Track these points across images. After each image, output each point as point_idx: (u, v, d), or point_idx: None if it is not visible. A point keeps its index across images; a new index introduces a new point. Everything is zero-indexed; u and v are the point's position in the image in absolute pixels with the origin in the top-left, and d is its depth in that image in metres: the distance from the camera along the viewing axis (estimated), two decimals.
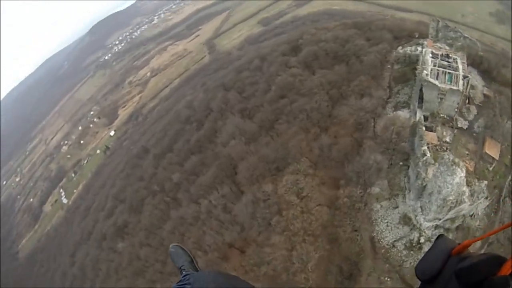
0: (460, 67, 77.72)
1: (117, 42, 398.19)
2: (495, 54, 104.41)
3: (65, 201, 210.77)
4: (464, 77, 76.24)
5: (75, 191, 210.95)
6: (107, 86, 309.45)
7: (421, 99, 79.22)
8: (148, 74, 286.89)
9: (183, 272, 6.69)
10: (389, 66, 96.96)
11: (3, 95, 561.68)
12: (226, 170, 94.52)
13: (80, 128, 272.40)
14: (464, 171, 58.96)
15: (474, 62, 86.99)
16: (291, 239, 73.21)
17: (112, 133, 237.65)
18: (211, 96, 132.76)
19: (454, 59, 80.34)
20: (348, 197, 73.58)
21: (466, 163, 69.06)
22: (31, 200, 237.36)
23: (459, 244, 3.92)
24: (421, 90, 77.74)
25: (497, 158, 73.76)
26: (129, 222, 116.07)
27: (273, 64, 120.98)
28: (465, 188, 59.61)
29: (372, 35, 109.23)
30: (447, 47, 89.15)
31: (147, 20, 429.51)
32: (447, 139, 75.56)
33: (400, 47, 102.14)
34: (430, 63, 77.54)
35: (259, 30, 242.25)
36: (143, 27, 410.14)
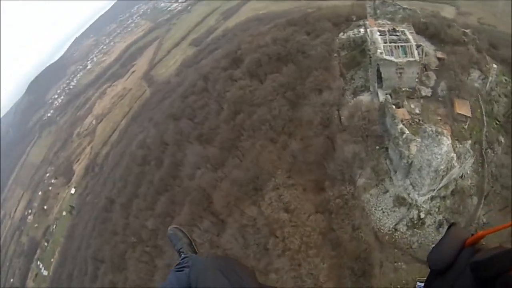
0: (410, 37, 76.64)
1: (56, 96, 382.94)
2: (437, 18, 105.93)
3: (45, 273, 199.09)
4: (418, 46, 75.11)
5: (52, 260, 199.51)
6: (56, 143, 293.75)
7: (379, 78, 77.54)
8: (94, 121, 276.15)
9: (182, 255, 6.86)
10: (335, 55, 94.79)
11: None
12: (201, 203, 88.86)
13: (40, 193, 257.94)
14: (450, 138, 58.52)
15: (420, 29, 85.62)
16: (294, 257, 69.19)
17: (72, 191, 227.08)
18: (162, 130, 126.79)
19: (401, 31, 79.23)
20: (339, 197, 70.50)
21: (443, 127, 68.40)
22: (12, 280, 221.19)
23: (472, 235, 3.84)
24: (378, 70, 76.12)
25: (470, 115, 73.41)
26: (116, 282, 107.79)
27: (218, 81, 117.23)
28: (453, 154, 59.54)
29: (311, 28, 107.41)
30: (389, 22, 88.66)
31: (81, 67, 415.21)
32: (417, 111, 74.07)
33: (341, 33, 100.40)
34: (380, 41, 75.83)
35: (193, 51, 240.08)
36: (78, 75, 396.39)
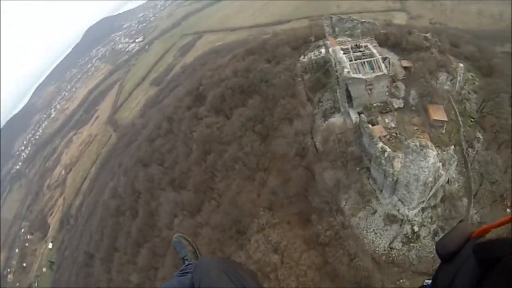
0: (374, 51, 73.91)
1: (23, 148, 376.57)
2: (394, 26, 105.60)
3: None
4: (384, 58, 72.61)
5: None
6: (27, 197, 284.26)
7: (349, 98, 74.69)
8: (63, 172, 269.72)
9: (186, 262, 7.23)
10: (299, 79, 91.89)
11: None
12: None
13: (17, 250, 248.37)
14: (434, 149, 57.08)
15: (381, 41, 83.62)
16: None
17: (50, 245, 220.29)
18: (132, 177, 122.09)
19: (365, 46, 76.58)
20: (329, 229, 66.59)
21: (421, 137, 68.35)
22: None
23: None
24: (347, 89, 73.14)
25: (446, 119, 72.20)
26: None
27: (183, 121, 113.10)
28: (439, 163, 57.87)
29: (271, 54, 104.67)
30: (349, 38, 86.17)
31: (45, 115, 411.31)
32: (392, 124, 71.52)
33: (302, 56, 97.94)
34: (346, 60, 72.78)
35: (155, 91, 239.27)
36: (43, 124, 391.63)
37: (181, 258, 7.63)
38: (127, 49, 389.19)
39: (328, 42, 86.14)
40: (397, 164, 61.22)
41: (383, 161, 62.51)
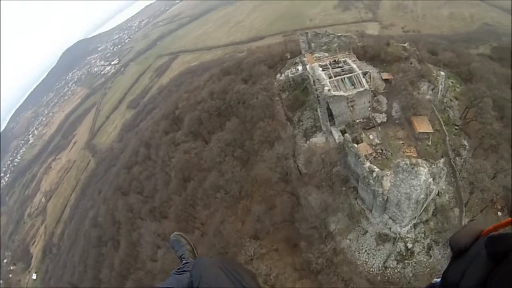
0: (354, 66, 70.68)
1: (2, 174, 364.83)
2: (372, 38, 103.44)
3: None
4: (364, 73, 69.29)
5: None
6: (9, 226, 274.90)
7: (330, 116, 71.04)
8: (43, 199, 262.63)
9: (183, 261, 6.81)
10: (277, 98, 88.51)
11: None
12: None
13: (1, 282, 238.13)
14: (426, 166, 54.53)
15: (359, 54, 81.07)
16: None
17: (34, 276, 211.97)
18: (112, 206, 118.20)
19: (343, 61, 73.49)
20: (321, 257, 62.83)
21: (407, 151, 67.99)
22: None
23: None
24: (328, 107, 69.32)
25: (431, 131, 69.74)
26: None
27: (160, 147, 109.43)
28: (430, 179, 55.99)
29: (247, 74, 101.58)
30: (326, 54, 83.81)
31: (23, 141, 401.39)
32: (377, 141, 68.54)
33: (279, 75, 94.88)
34: (325, 77, 69.18)
35: (132, 114, 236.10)
36: (21, 150, 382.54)
37: (178, 256, 7.14)
38: (103, 72, 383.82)
39: (305, 59, 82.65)
40: (387, 183, 58.53)
41: (371, 181, 59.40)
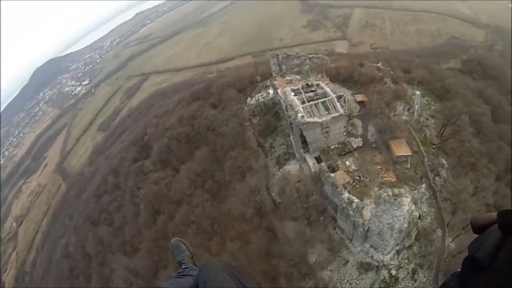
0: (327, 89, 66.66)
1: None
2: (344, 58, 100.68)
3: None
4: (339, 97, 65.57)
5: None
6: None
7: (304, 143, 66.91)
8: (14, 224, 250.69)
9: (183, 266, 6.95)
10: (248, 123, 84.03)
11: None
12: None
13: None
14: (409, 195, 53.25)
15: (332, 75, 77.78)
16: None
17: None
18: (83, 237, 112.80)
19: (316, 84, 69.40)
20: None
21: (386, 176, 63.80)
22: None
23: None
24: (301, 134, 65.05)
25: (410, 154, 66.50)
26: None
27: (129, 176, 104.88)
28: (413, 207, 55.49)
29: (216, 98, 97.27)
30: (298, 76, 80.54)
31: None
32: (354, 167, 64.33)
33: (249, 99, 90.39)
34: (298, 103, 64.79)
35: (102, 137, 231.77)
36: None
37: (178, 261, 7.21)
38: (73, 92, 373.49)
39: (276, 82, 78.65)
40: (367, 213, 55.44)
41: (351, 212, 56.05)
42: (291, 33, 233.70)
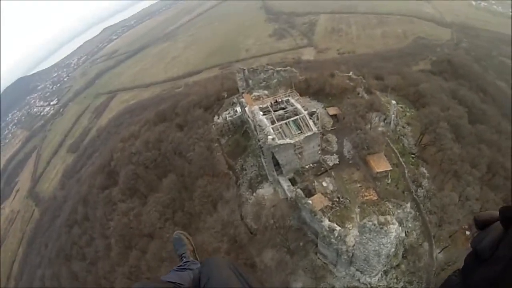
0: (298, 106, 61.24)
1: None
2: (313, 67, 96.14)
3: None
4: (311, 114, 60.23)
5: None
6: None
7: (277, 165, 61.15)
8: None
9: (184, 259, 6.68)
10: (216, 144, 78.26)
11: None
12: None
13: None
14: (396, 221, 46.99)
15: (301, 89, 72.89)
16: None
17: None
18: (57, 272, 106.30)
19: (286, 101, 64.16)
20: None
21: (367, 194, 59.87)
22: None
23: None
24: (273, 156, 59.06)
25: (390, 169, 62.23)
26: None
27: (98, 205, 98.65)
28: (400, 229, 51.04)
29: (182, 119, 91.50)
30: (265, 92, 75.55)
31: None
32: (331, 187, 59.56)
33: (216, 117, 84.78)
34: (267, 123, 58.93)
35: (72, 159, 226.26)
36: None
37: (179, 254, 6.87)
38: (42, 113, 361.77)
39: (243, 99, 72.99)
40: (351, 239, 50.75)
41: (333, 240, 51.02)
42: (258, 43, 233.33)
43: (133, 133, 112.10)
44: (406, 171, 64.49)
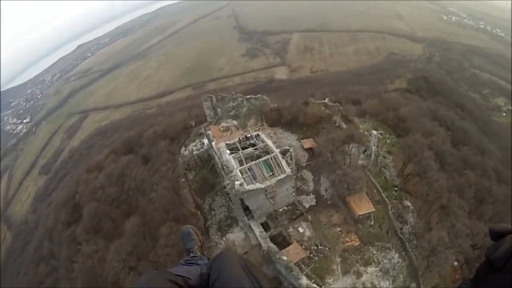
0: (270, 143, 53.91)
1: None
2: (286, 89, 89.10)
3: None
4: (284, 152, 52.73)
5: None
6: None
7: (247, 209, 53.44)
8: None
9: (191, 254, 6.53)
10: (183, 180, 70.02)
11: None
12: None
13: None
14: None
15: (273, 119, 66.00)
16: None
17: None
18: None
19: (256, 136, 56.78)
20: None
21: (348, 240, 53.30)
22: None
23: None
24: (242, 202, 51.33)
25: (373, 210, 55.23)
26: None
27: (62, 243, 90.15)
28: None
29: (147, 151, 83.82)
30: (234, 122, 68.05)
31: None
32: (308, 233, 52.30)
33: (183, 148, 77.24)
34: (234, 165, 51.14)
35: (44, 181, 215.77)
36: None
37: (186, 249, 6.70)
38: (15, 131, 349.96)
39: (209, 132, 65.13)
40: None
41: None
42: (230, 62, 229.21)
43: (99, 163, 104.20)
44: (389, 208, 57.80)
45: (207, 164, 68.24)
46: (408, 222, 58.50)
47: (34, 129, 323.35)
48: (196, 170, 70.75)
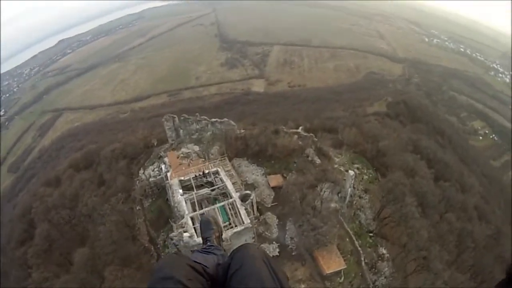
0: (229, 185, 45.23)
1: None
2: (261, 103, 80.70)
3: None
4: (244, 197, 44.45)
5: None
6: None
7: None
8: None
9: (208, 243, 6.36)
10: (139, 208, 61.75)
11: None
12: None
13: None
14: None
15: (238, 149, 57.71)
16: None
17: None
18: None
19: (214, 174, 48.42)
20: None
21: None
22: None
23: None
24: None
25: (344, 267, 48.52)
26: None
27: (14, 264, 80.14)
28: None
29: (105, 169, 75.94)
30: (196, 148, 59.39)
31: None
32: None
33: (141, 171, 68.23)
34: (185, 209, 42.35)
35: (11, 180, 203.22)
36: None
37: (204, 237, 6.49)
38: None
39: (166, 159, 56.43)
40: None
41: None
42: (208, 71, 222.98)
43: (57, 177, 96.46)
44: (363, 259, 51.54)
45: (164, 193, 59.41)
46: (382, 273, 52.01)
47: (7, 123, 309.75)
48: (152, 198, 62.41)
